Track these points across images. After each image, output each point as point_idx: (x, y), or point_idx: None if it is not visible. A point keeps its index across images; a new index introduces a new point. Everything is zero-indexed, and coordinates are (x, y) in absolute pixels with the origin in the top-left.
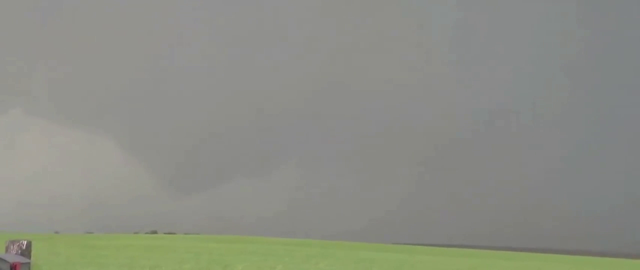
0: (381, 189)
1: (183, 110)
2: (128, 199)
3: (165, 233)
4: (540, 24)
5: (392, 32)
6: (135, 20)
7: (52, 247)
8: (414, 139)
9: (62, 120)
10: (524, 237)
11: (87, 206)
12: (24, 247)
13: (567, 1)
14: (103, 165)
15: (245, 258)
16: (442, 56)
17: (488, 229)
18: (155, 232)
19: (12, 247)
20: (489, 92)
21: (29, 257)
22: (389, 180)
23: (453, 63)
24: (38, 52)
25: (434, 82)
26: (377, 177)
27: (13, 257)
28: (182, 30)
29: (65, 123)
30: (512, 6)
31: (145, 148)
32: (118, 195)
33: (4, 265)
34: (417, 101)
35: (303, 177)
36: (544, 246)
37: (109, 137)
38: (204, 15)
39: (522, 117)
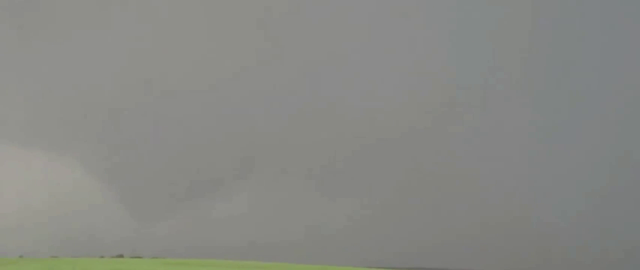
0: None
1: (148, 133)
2: (93, 223)
3: (131, 257)
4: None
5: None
6: (100, 37)
7: None
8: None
9: (25, 142)
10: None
11: (52, 230)
12: None
13: None
14: (68, 188)
15: None
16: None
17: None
18: (121, 256)
19: None
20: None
21: None
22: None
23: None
24: None
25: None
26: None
27: None
28: (150, 49)
29: (28, 145)
30: None
31: (111, 171)
32: (83, 218)
33: None
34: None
35: (268, 200)
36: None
37: (73, 160)
38: (170, 28)
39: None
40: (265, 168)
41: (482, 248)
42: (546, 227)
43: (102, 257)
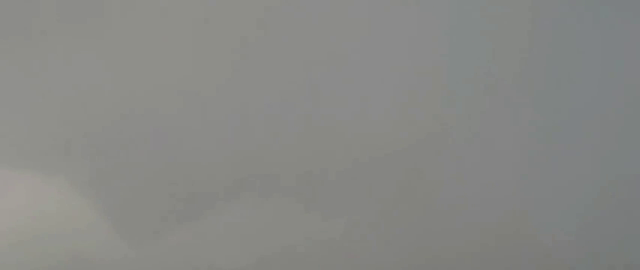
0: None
1: (139, 151)
2: (82, 245)
3: None
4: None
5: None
6: (89, 55)
7: None
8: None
9: (8, 161)
10: None
11: (37, 251)
12: None
13: None
14: (55, 208)
15: None
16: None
17: None
18: None
19: None
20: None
21: None
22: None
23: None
24: None
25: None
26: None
27: None
28: (141, 65)
29: (11, 164)
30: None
31: (100, 191)
32: (71, 240)
33: None
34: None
35: (264, 215)
36: None
37: (60, 179)
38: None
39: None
40: (261, 180)
41: (481, 260)
42: (547, 238)
43: None
